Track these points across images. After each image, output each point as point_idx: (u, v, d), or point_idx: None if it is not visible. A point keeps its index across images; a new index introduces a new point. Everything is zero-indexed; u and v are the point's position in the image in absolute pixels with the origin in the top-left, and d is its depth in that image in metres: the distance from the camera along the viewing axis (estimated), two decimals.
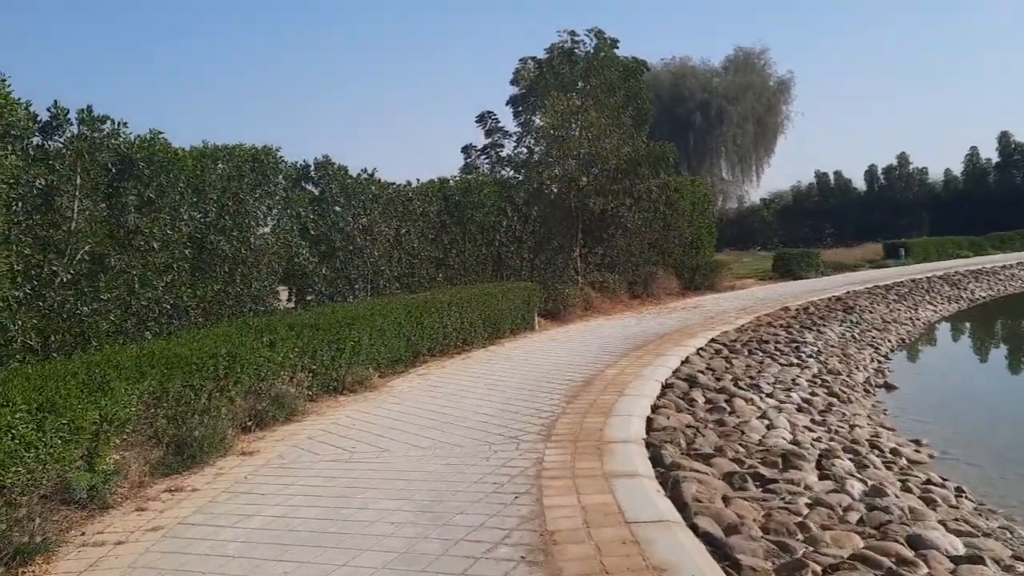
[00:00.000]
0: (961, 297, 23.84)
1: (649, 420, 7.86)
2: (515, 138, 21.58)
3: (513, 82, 21.34)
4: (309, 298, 13.38)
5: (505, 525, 5.05)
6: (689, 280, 23.34)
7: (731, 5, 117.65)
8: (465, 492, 5.78)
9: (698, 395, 9.09)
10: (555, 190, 19.73)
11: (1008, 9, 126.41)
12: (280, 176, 12.58)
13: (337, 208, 13.91)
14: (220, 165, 11.32)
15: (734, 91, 46.44)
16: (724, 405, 8.72)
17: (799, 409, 9.01)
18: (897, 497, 5.92)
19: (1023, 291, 27.54)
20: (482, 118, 21.77)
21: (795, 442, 7.34)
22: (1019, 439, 8.98)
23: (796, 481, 5.97)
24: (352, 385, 10.24)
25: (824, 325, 15.67)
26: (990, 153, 52.76)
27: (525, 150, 21.39)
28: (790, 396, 9.53)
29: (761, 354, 12.30)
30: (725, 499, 5.67)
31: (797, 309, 17.64)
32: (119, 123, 9.47)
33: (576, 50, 20.06)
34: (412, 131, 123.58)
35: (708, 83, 47.36)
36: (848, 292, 21.02)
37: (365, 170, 14.70)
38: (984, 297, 25.17)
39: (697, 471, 6.08)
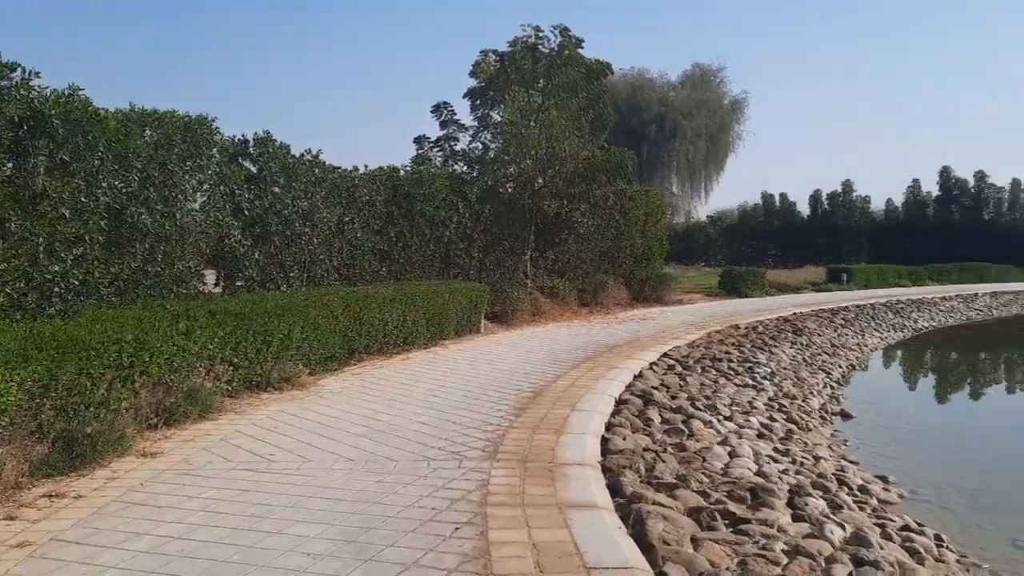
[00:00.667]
0: (905, 326, 23.86)
1: (604, 440, 7.15)
2: (471, 132, 20.80)
3: (472, 74, 20.55)
4: (239, 284, 12.37)
5: (444, 564, 4.26)
6: (638, 291, 22.85)
7: (690, 20, 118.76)
8: (398, 519, 4.97)
9: (654, 414, 8.44)
10: (510, 189, 19.00)
11: (953, 48, 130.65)
12: (215, 149, 11.55)
13: (276, 189, 12.91)
14: (148, 132, 10.28)
15: (689, 106, 46.40)
16: (682, 427, 8.07)
17: (760, 436, 8.42)
18: (881, 548, 5.31)
19: (963, 323, 27.83)
20: (438, 109, 20.92)
21: (761, 474, 6.72)
22: (988, 483, 8.53)
23: (769, 522, 5.31)
24: (278, 382, 9.33)
25: (775, 346, 15.24)
26: (931, 187, 53.97)
27: (481, 145, 20.63)
28: (749, 420, 8.94)
29: (715, 372, 11.74)
30: (694, 541, 4.98)
31: (747, 327, 17.22)
32: (30, 72, 8.39)
33: (540, 46, 19.40)
34: (361, 116, 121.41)
35: (664, 96, 47.22)
36: (795, 314, 20.77)
37: (309, 151, 13.75)
38: (927, 327, 25.27)
39: (661, 504, 5.38)
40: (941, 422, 12.97)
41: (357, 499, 5.34)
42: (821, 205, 54.57)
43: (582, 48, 19.60)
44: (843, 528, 5.50)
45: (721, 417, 8.80)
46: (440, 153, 21.19)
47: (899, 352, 21.41)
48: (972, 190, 51.97)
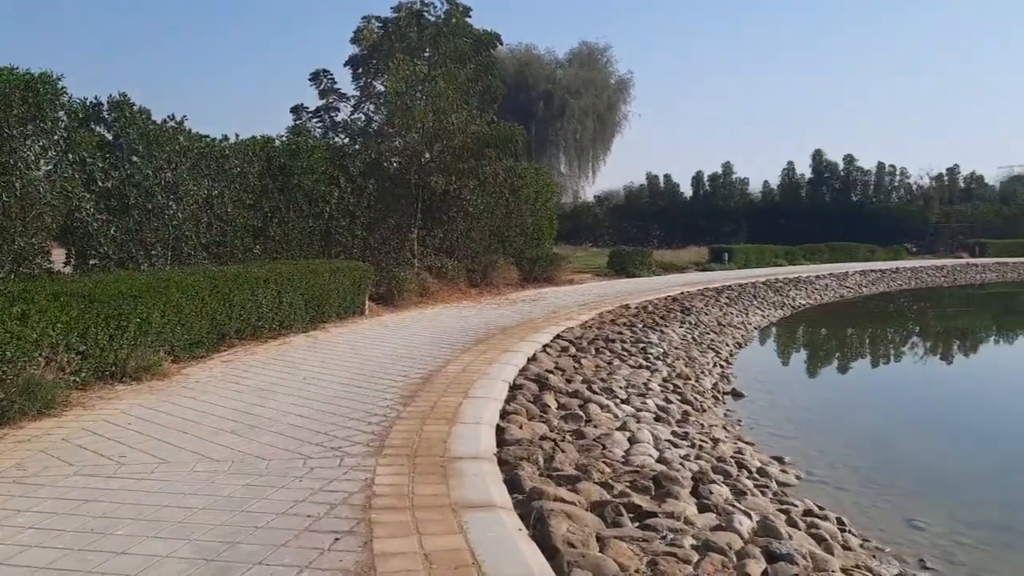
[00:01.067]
0: (784, 303, 24.51)
1: (500, 429, 6.64)
2: (353, 103, 19.84)
3: (354, 41, 19.64)
4: (92, 262, 11.19)
5: None
6: (528, 272, 22.49)
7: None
8: (268, 529, 4.29)
9: (550, 399, 8.00)
10: (395, 164, 18.20)
11: (821, 34, 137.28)
12: (61, 112, 10.31)
13: (135, 158, 11.74)
14: None
15: (577, 85, 46.35)
16: (579, 412, 7.65)
17: (657, 419, 8.11)
18: (790, 538, 5.02)
19: (836, 300, 28.95)
20: (317, 77, 19.86)
21: (663, 460, 6.37)
22: (879, 460, 8.55)
23: (676, 514, 4.94)
24: (136, 372, 8.36)
25: (666, 326, 15.16)
26: (805, 169, 56.23)
27: (364, 117, 19.71)
28: (645, 403, 8.64)
29: (609, 354, 11.45)
30: (600, 540, 4.53)
31: (637, 307, 17.13)
32: None
33: (425, 13, 18.66)
34: (230, 83, 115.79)
35: (552, 74, 47.00)
36: (682, 293, 20.91)
37: (172, 117, 12.57)
38: (804, 304, 26.09)
39: (562, 500, 4.91)
40: (829, 399, 13.08)
41: (221, 507, 4.62)
42: (703, 186, 55.95)
43: (470, 17, 19.00)
44: (750, 517, 5.18)
45: (618, 400, 8.46)
46: (320, 124, 20.19)
47: (781, 329, 21.94)
48: (842, 173, 54.52)
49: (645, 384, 9.74)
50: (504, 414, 7.22)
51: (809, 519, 5.90)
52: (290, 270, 12.12)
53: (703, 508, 5.30)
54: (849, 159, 54.35)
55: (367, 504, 4.69)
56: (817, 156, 55.19)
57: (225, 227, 13.58)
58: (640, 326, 14.42)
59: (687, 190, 56.89)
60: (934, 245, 50.56)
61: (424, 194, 18.91)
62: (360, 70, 19.77)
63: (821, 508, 6.45)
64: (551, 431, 6.84)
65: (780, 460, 8.05)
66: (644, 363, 11.16)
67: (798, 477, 7.64)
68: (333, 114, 20.06)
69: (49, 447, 5.94)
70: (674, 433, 7.58)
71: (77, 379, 7.60)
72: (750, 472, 7.02)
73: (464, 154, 18.17)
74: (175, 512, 4.55)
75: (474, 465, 5.49)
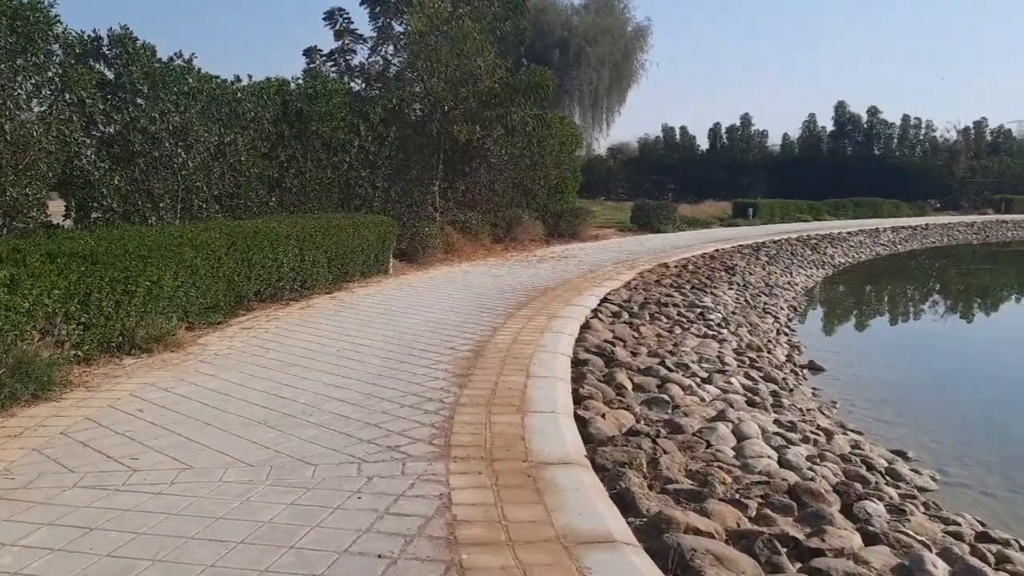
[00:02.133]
0: (824, 262, 23.35)
1: (580, 419, 5.59)
2: (370, 45, 18.48)
3: None
4: (95, 216, 10.08)
5: None
6: (553, 227, 21.33)
7: None
8: None
9: (623, 377, 6.94)
10: (418, 111, 16.94)
11: None
12: (56, 45, 9.11)
13: (139, 100, 10.56)
14: None
15: (593, 33, 44.43)
16: (660, 394, 6.60)
17: (750, 403, 7.06)
18: None
19: (874, 258, 27.79)
20: (331, 16, 18.45)
21: (787, 463, 5.34)
22: (1008, 452, 7.46)
23: (845, 551, 3.87)
24: (147, 342, 7.31)
25: (715, 287, 14.06)
26: (826, 122, 54.39)
27: (381, 60, 18.37)
28: (730, 382, 7.58)
29: (667, 320, 10.38)
30: None
31: (677, 266, 16.03)
32: None
33: None
34: (240, 23, 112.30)
35: (568, 21, 45.05)
36: (717, 250, 19.77)
37: (180, 54, 11.36)
38: (844, 263, 24.92)
39: (697, 530, 3.87)
40: (913, 371, 11.86)
41: (263, 541, 3.58)
42: (720, 139, 54.28)
43: None
44: (929, 548, 4.13)
45: (698, 379, 7.40)
46: (334, 68, 18.81)
47: (829, 290, 20.87)
48: (865, 126, 52.73)
49: (719, 358, 8.67)
50: (578, 398, 6.16)
51: (994, 548, 4.77)
52: (313, 226, 10.99)
53: (868, 537, 4.22)
54: (873, 111, 52.53)
55: (450, 536, 3.64)
56: (840, 108, 53.35)
57: (239, 178, 12.44)
58: (688, 288, 13.33)
59: (703, 143, 55.30)
60: (958, 201, 49.08)
61: (446, 144, 17.68)
62: (378, 9, 18.37)
63: (986, 529, 5.33)
64: (639, 421, 5.78)
65: (904, 456, 7.00)
66: (707, 331, 10.09)
67: (934, 479, 6.57)
68: (349, 57, 18.73)
69: (44, 444, 4.90)
70: (778, 423, 6.52)
71: (78, 353, 6.55)
72: (882, 475, 5.98)
73: (491, 100, 16.87)
74: (204, 550, 3.50)
75: (567, 473, 4.44)
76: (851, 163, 50.40)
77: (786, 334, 12.61)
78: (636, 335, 9.08)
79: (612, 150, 55.82)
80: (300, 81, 14.73)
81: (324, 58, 18.76)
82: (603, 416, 5.70)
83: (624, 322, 9.75)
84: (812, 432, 6.50)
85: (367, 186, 15.78)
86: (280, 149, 13.51)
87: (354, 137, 15.20)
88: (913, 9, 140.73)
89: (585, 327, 9.15)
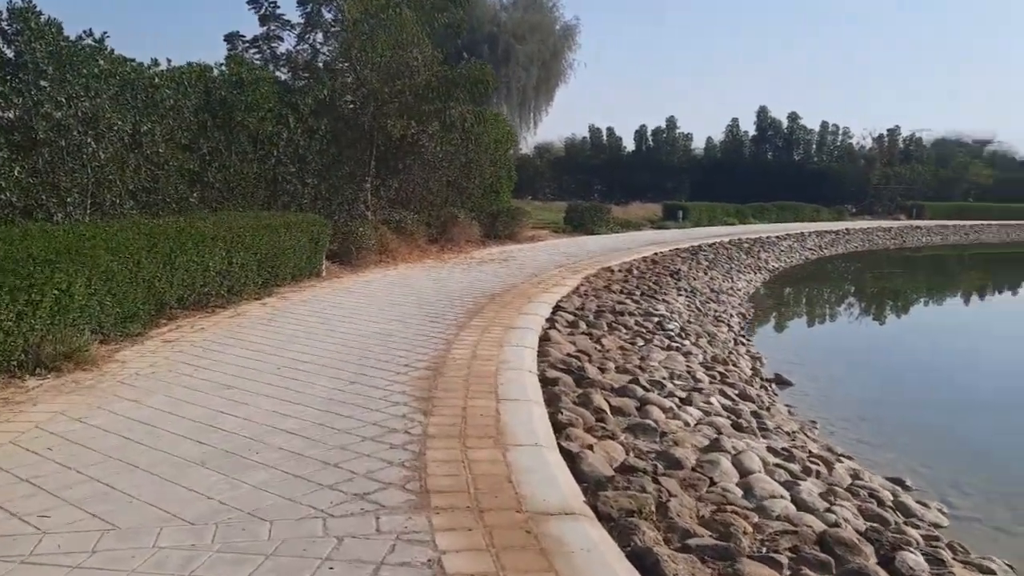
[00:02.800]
0: (760, 267, 23.36)
1: (568, 454, 4.94)
2: (297, 32, 17.38)
3: None
4: None
5: None
6: (489, 227, 20.65)
7: None
8: None
9: (599, 399, 6.32)
10: (350, 103, 16.02)
11: None
12: None
13: (43, 83, 9.42)
14: None
15: (521, 30, 43.89)
16: (646, 420, 5.99)
17: (736, 426, 6.54)
18: None
19: (804, 262, 28.13)
20: (256, 0, 17.25)
21: (800, 503, 4.81)
22: (1007, 479, 7.14)
23: None
24: (54, 360, 6.34)
25: (665, 294, 13.64)
26: (749, 126, 55.39)
27: (309, 48, 17.31)
28: (709, 402, 7.07)
29: (625, 330, 9.85)
30: None
31: (622, 271, 15.58)
32: None
33: None
34: (154, 5, 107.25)
35: (496, 16, 44.37)
36: (656, 254, 19.45)
37: (90, 32, 10.22)
38: (777, 267, 25.04)
39: None
40: (880, 384, 11.52)
41: None
42: (646, 141, 54.65)
43: None
44: None
45: (676, 399, 6.85)
46: (259, 56, 17.58)
47: (771, 296, 20.88)
48: (785, 131, 53.93)
49: (691, 373, 8.17)
50: (557, 425, 5.51)
51: None
52: (241, 225, 10.04)
53: None
54: (793, 117, 53.79)
55: None
56: (762, 113, 54.44)
57: (156, 171, 11.35)
58: (639, 294, 12.87)
59: (630, 144, 55.61)
60: (873, 206, 50.65)
61: (379, 139, 16.82)
62: None
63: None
64: (629, 453, 5.18)
65: (902, 484, 6.59)
66: (670, 343, 9.59)
67: (943, 512, 6.14)
68: (274, 44, 17.52)
69: None
70: (772, 451, 6.00)
71: None
72: (893, 509, 5.53)
73: (428, 94, 16.09)
74: None
75: (573, 528, 3.78)
76: (772, 167, 51.46)
77: (743, 344, 12.27)
78: (599, 347, 8.50)
79: (539, 149, 55.55)
80: (224, 68, 13.64)
81: (247, 45, 17.49)
82: (590, 448, 5.07)
83: (583, 333, 9.17)
84: (810, 461, 6.01)
85: (296, 182, 14.79)
86: (202, 141, 12.44)
87: (282, 129, 14.20)
88: (831, 19, 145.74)
89: (544, 339, 8.52)
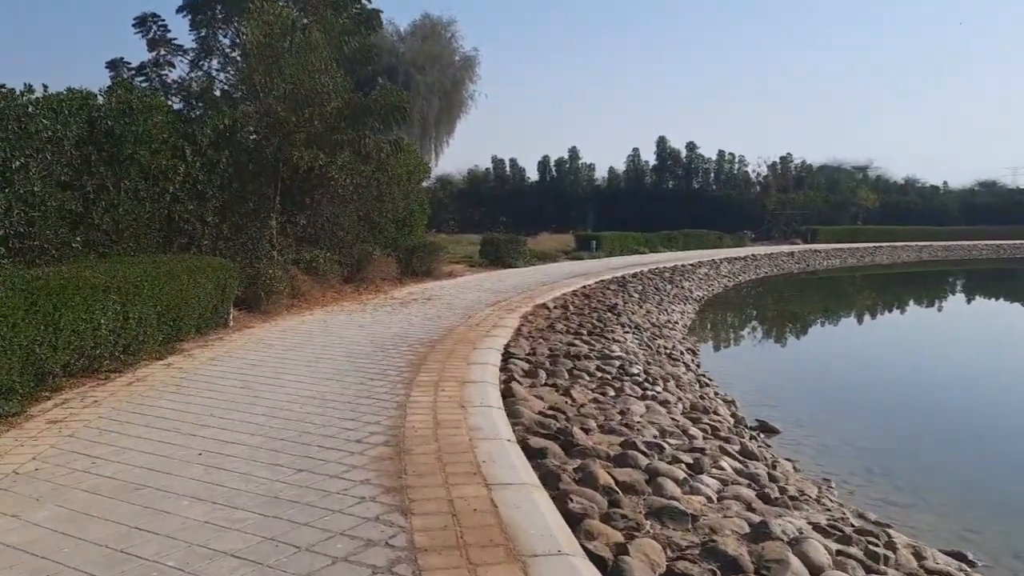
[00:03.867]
0: (687, 297, 22.92)
1: (598, 561, 3.88)
2: (191, 57, 15.92)
3: None
4: None
5: None
6: (406, 264, 19.43)
7: None
8: None
9: (602, 474, 5.27)
10: (252, 135, 14.63)
11: (659, 24, 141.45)
12: None
13: None
14: None
15: (422, 60, 43.08)
16: (670, 502, 4.94)
17: (763, 498, 5.56)
18: None
19: (724, 290, 28.05)
20: (143, 23, 15.72)
21: None
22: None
23: None
24: None
25: (611, 331, 12.72)
26: (649, 156, 56.05)
27: (204, 75, 15.86)
28: (722, 468, 6.09)
29: (588, 377, 8.87)
30: None
31: (558, 307, 14.66)
32: None
33: None
34: (27, 27, 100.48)
35: (395, 47, 43.41)
36: (585, 287, 18.67)
37: None
38: (702, 296, 24.72)
39: None
40: (862, 418, 11.04)
41: None
42: (549, 171, 54.54)
43: None
44: None
45: (683, 465, 5.86)
46: (146, 83, 16.00)
47: (708, 327, 20.50)
48: (684, 160, 54.85)
49: (680, 428, 7.22)
50: (570, 517, 4.44)
51: None
52: (138, 273, 8.58)
53: None
54: (691, 146, 54.84)
55: None
56: (661, 143, 55.25)
57: (31, 212, 9.70)
58: (586, 334, 11.93)
59: (533, 175, 55.32)
60: (770, 232, 51.92)
61: (285, 172, 15.46)
62: (200, 18, 15.85)
63: None
64: (669, 551, 4.14)
65: (965, 560, 5.80)
66: (643, 391, 8.65)
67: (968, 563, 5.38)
68: (164, 72, 16.00)
69: None
70: (818, 528, 5.07)
71: None
72: None
73: (340, 123, 14.88)
74: None
75: None
76: (673, 196, 52.23)
77: (708, 384, 11.48)
78: (570, 401, 7.47)
79: (441, 181, 54.60)
80: (108, 94, 12.05)
81: (133, 71, 15.92)
82: (623, 550, 4.02)
83: (547, 384, 8.14)
84: (869, 543, 5.11)
85: (195, 221, 13.23)
86: (86, 177, 10.85)
87: (179, 163, 12.68)
88: (723, 47, 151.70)
89: (507, 393, 7.44)
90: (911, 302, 29.95)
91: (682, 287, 23.86)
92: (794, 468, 7.88)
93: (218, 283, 10.80)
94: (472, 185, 54.45)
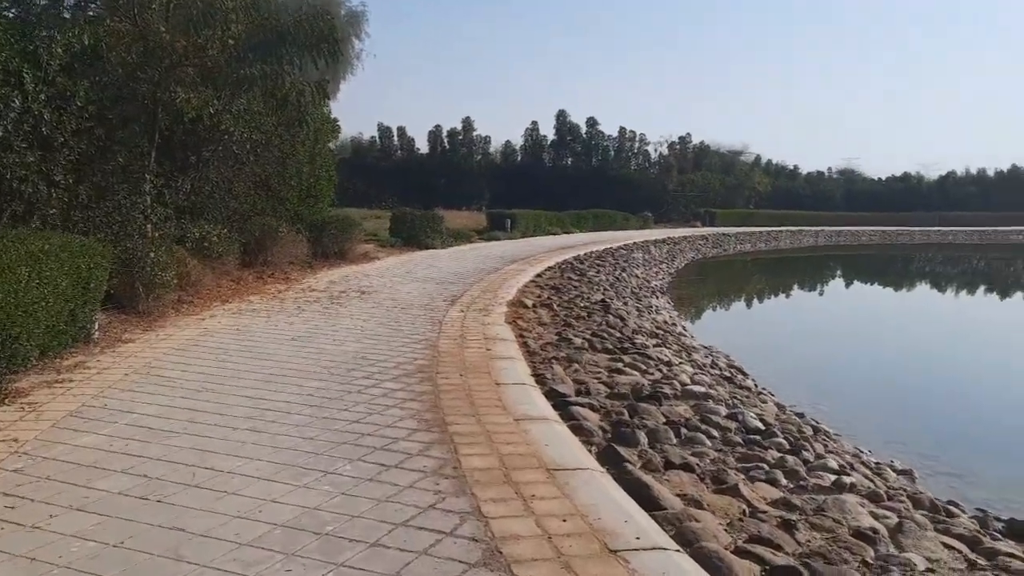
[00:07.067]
0: (652, 289, 20.11)
1: None
2: None
3: None
4: None
5: None
6: (315, 243, 15.62)
7: None
8: None
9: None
10: (129, 60, 10.54)
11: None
12: None
13: None
14: None
15: (304, 12, 38.40)
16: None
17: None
18: None
19: (670, 276, 25.74)
20: None
21: None
22: None
23: None
24: None
25: (644, 348, 9.65)
26: (549, 131, 52.95)
27: None
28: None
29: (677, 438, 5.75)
30: None
31: (541, 307, 11.44)
32: None
33: None
34: None
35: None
36: (539, 275, 15.55)
37: None
38: (659, 287, 21.99)
39: None
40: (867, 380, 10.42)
41: None
42: (441, 143, 50.75)
43: None
44: None
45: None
46: None
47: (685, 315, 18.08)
48: (584, 136, 52.35)
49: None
50: None
51: None
52: None
53: None
54: (592, 122, 52.37)
55: None
56: (561, 117, 52.49)
57: None
58: (621, 355, 8.77)
59: (423, 146, 51.31)
60: (670, 213, 50.37)
61: (165, 119, 11.45)
62: None
63: None
64: None
65: None
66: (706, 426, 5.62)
67: None
68: None
69: None
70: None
71: None
72: None
73: (248, 54, 11.02)
74: None
75: None
76: (572, 173, 49.71)
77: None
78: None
79: None
80: None
81: None
82: None
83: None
84: None
85: (37, 180, 9.09)
86: None
87: (12, 93, 8.55)
88: (628, 21, 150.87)
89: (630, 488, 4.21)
90: (877, 283, 31.97)
91: (634, 275, 21.08)
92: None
93: (78, 276, 6.94)
94: (357, 154, 49.90)
